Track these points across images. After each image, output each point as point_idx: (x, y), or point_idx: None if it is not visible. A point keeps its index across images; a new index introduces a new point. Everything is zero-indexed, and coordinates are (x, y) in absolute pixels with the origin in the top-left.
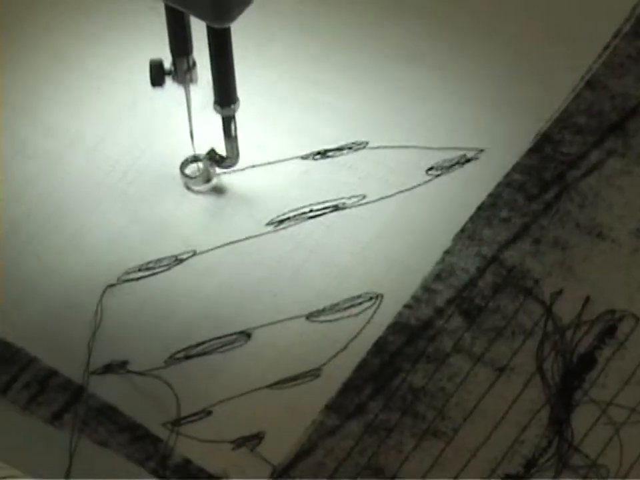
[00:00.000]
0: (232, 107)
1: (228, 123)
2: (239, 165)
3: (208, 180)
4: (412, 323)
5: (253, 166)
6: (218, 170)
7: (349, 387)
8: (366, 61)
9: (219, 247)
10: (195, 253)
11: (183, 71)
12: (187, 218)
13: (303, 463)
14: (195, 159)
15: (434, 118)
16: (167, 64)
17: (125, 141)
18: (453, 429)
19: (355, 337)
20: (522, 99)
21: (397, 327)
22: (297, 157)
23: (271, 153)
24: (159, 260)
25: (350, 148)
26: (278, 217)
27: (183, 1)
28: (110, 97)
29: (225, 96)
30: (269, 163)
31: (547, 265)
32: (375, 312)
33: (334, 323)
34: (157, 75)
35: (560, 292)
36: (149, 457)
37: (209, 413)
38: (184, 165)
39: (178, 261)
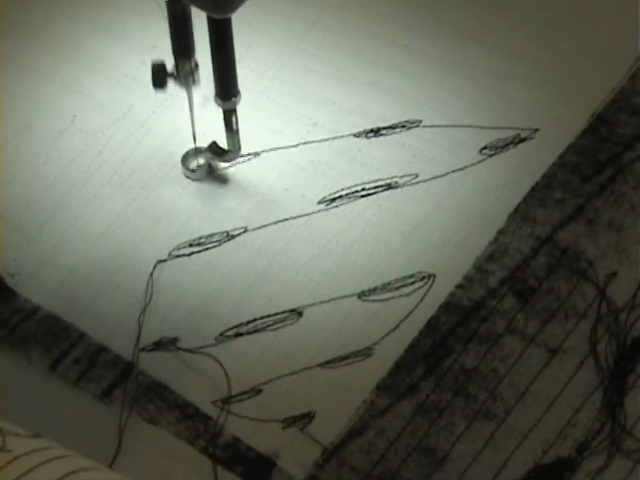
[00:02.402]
0: (233, 100)
1: (229, 116)
2: (292, 142)
3: (210, 173)
4: (464, 303)
5: (305, 143)
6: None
7: (401, 367)
8: (420, 41)
9: (270, 224)
10: (246, 230)
11: (185, 73)
12: (238, 194)
13: (354, 443)
14: (197, 151)
15: (488, 97)
16: (170, 66)
17: (178, 115)
18: (505, 411)
19: (407, 316)
20: (577, 79)
21: (449, 307)
22: (349, 135)
23: (324, 130)
24: (210, 235)
25: (403, 126)
26: (330, 195)
27: None
28: None
29: (226, 89)
30: (322, 141)
31: (601, 246)
32: (427, 292)
33: (385, 302)
34: (159, 77)
35: (614, 274)
36: (198, 435)
37: (259, 391)
38: (185, 158)
39: (229, 236)
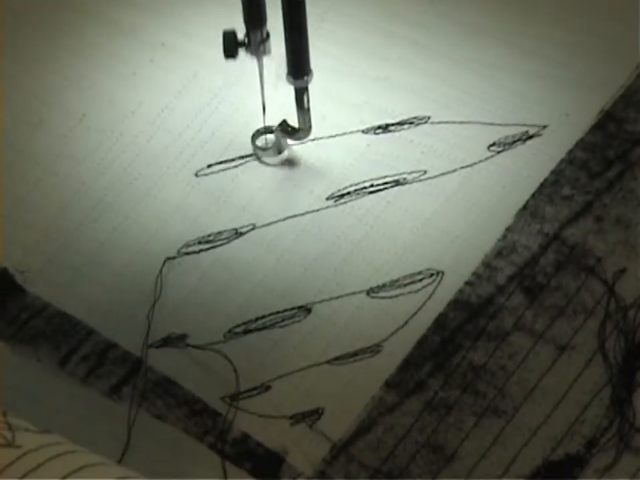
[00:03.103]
0: (305, 78)
1: (301, 95)
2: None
3: (279, 151)
4: (473, 300)
5: (314, 139)
6: (290, 142)
7: (409, 364)
8: (429, 37)
9: (278, 220)
10: (254, 227)
11: (256, 42)
12: (247, 191)
13: (363, 439)
14: (267, 130)
15: (497, 94)
16: (240, 35)
17: (187, 113)
18: (514, 408)
19: (415, 313)
20: (585, 75)
21: (457, 303)
22: (358, 131)
23: (332, 126)
24: (219, 233)
25: (411, 123)
26: (338, 191)
27: None
28: (167, 67)
29: (298, 67)
30: (330, 137)
31: (609, 243)
32: (435, 288)
33: (394, 299)
34: (230, 46)
35: (623, 271)
36: (207, 431)
37: (268, 387)
38: (255, 136)
39: (238, 234)
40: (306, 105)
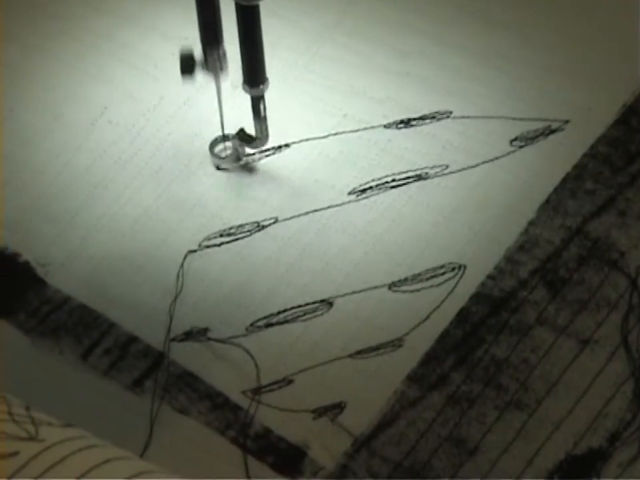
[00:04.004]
0: (261, 87)
1: (257, 103)
2: (322, 133)
3: (237, 159)
4: (495, 294)
5: (336, 134)
6: (248, 150)
7: (431, 358)
8: (451, 31)
9: (301, 214)
10: (276, 220)
11: (213, 60)
12: (269, 185)
13: (385, 433)
14: (225, 138)
15: (519, 88)
16: (197, 53)
17: (209, 107)
18: (536, 401)
19: (437, 307)
20: (608, 70)
21: (479, 297)
22: (380, 126)
23: (354, 121)
24: (241, 226)
25: (433, 117)
26: (360, 186)
27: None
28: None
29: (254, 76)
30: (352, 131)
31: (632, 237)
32: (457, 282)
33: (416, 293)
34: (187, 65)
35: None
36: (229, 425)
37: (290, 381)
38: (213, 144)
39: (260, 227)
40: (262, 113)
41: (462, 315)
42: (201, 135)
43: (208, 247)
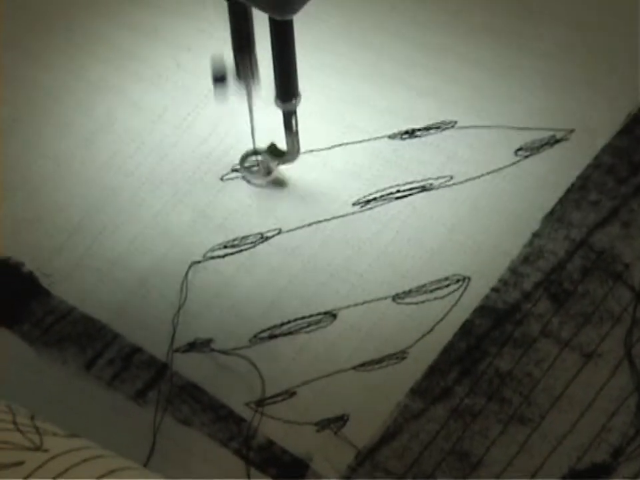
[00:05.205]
0: (293, 101)
1: (289, 118)
2: (326, 144)
3: (268, 173)
4: (499, 306)
5: (341, 144)
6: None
7: (435, 370)
8: (455, 42)
9: (305, 225)
10: (280, 231)
11: (245, 68)
12: (273, 196)
13: (388, 446)
14: (256, 152)
15: (523, 98)
16: (230, 61)
17: (213, 117)
18: (540, 415)
19: (442, 319)
20: (612, 79)
21: (483, 310)
22: (384, 137)
23: (358, 132)
24: (245, 237)
25: (438, 128)
26: (364, 197)
27: None
28: (194, 71)
29: (286, 90)
30: (357, 142)
31: (637, 249)
32: (461, 294)
33: (420, 305)
34: (219, 73)
35: None
36: (232, 437)
37: (293, 393)
38: (244, 158)
39: (263, 238)
40: (294, 128)
41: (466, 328)
42: (206, 146)
43: (212, 258)
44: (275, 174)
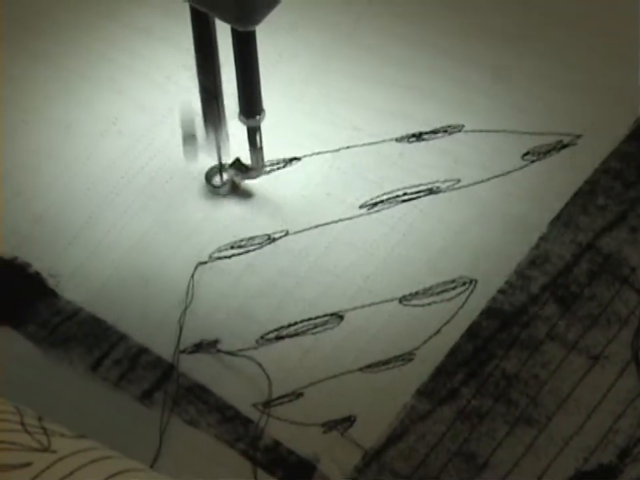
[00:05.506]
0: (257, 117)
1: (253, 134)
2: (333, 146)
3: (233, 189)
4: (506, 308)
5: (347, 147)
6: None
7: (441, 372)
8: (462, 46)
9: (311, 228)
10: (287, 233)
11: (213, 116)
12: (280, 198)
13: (394, 447)
14: (221, 167)
15: (531, 103)
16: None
17: None
18: (546, 417)
19: (448, 321)
20: (620, 84)
21: (490, 312)
22: (391, 140)
23: (365, 135)
24: (251, 238)
25: (445, 131)
26: (371, 199)
27: (206, 2)
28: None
29: (250, 106)
30: (364, 145)
31: None
32: (468, 297)
33: (427, 307)
34: (188, 131)
35: None
36: (238, 438)
37: (300, 395)
38: (209, 174)
39: (270, 239)
40: (259, 144)
41: (473, 330)
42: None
43: (219, 258)
44: (240, 189)
